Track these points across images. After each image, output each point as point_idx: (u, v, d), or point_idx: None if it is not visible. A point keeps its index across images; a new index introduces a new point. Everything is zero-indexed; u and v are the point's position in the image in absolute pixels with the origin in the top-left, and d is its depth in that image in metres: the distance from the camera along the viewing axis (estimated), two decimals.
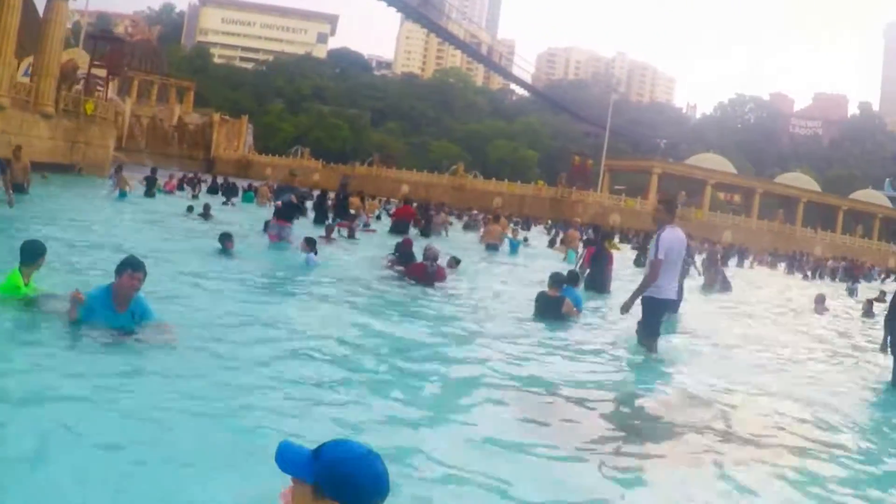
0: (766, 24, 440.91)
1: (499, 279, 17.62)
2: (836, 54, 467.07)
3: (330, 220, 25.08)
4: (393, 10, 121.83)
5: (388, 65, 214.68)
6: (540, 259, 25.28)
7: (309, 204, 26.49)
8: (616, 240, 39.61)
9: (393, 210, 34.79)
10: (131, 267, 7.00)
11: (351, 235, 23.11)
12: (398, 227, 28.32)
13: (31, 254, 7.59)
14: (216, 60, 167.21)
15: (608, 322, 12.65)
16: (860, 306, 22.78)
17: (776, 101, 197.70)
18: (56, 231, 14.22)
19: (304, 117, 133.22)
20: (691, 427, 6.79)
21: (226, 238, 14.70)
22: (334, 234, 21.22)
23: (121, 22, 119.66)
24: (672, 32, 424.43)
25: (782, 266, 48.69)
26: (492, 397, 6.86)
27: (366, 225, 28.02)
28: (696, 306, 16.71)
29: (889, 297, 12.42)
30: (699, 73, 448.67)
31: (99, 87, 46.97)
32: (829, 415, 7.94)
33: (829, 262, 51.75)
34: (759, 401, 8.32)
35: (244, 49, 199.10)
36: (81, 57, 50.13)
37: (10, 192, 17.87)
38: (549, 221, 60.79)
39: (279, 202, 18.25)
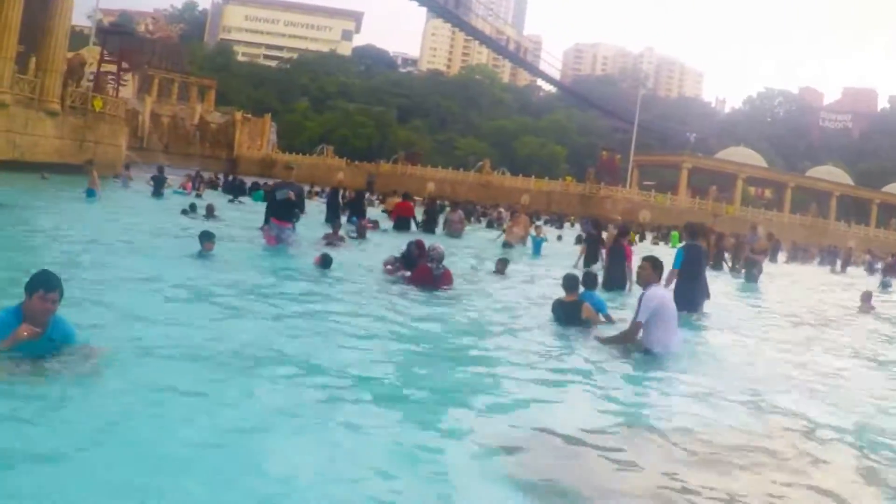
0: (795, 19, 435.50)
1: (515, 282, 15.81)
2: (865, 48, 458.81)
3: (342, 219, 23.80)
4: (418, 6, 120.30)
5: (414, 62, 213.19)
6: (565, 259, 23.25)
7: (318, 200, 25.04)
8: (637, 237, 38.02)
9: (391, 208, 32.82)
10: (43, 287, 5.69)
11: (361, 235, 21.69)
12: (400, 225, 26.94)
13: None
14: (239, 58, 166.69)
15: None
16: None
17: (805, 95, 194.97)
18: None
19: (329, 115, 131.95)
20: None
21: (205, 238, 13.09)
22: (342, 232, 19.81)
23: (142, 20, 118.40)
24: (700, 27, 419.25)
25: (816, 261, 47.27)
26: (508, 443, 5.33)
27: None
28: (738, 305, 15.36)
29: None
30: (727, 68, 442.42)
31: (111, 81, 45.59)
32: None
33: (867, 257, 49.63)
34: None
35: (268, 47, 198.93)
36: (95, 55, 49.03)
37: None
38: (572, 218, 58.96)
39: (291, 195, 16.13)
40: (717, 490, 5.00)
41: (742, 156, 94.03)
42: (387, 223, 28.03)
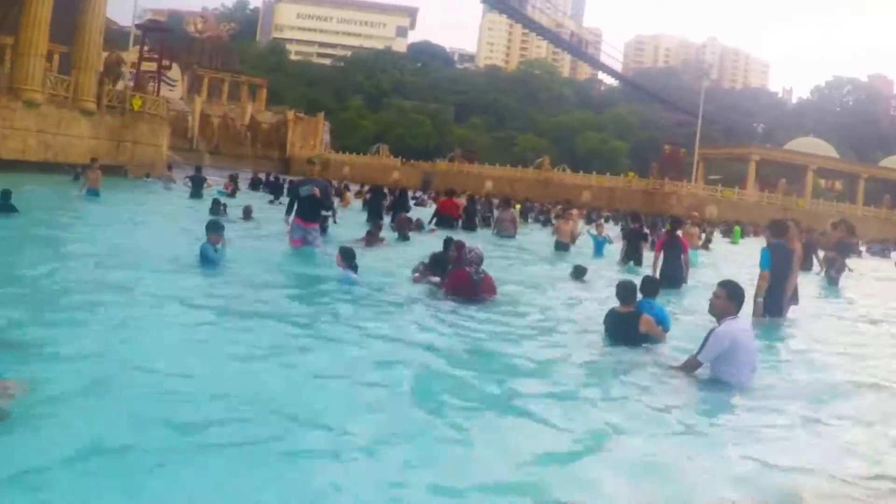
0: (860, 3, 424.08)
1: (566, 290, 13.54)
2: None
3: (382, 219, 22.08)
4: (475, 0, 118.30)
5: (471, 57, 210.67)
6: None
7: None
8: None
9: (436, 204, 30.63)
10: None
11: (404, 237, 19.69)
12: (443, 224, 24.73)
13: None
14: (292, 57, 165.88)
15: (691, 334, 9.02)
16: None
17: (875, 83, 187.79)
18: None
19: (384, 114, 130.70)
20: None
21: (211, 229, 10.98)
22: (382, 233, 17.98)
23: (192, 20, 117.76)
24: (763, 15, 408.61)
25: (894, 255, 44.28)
26: None
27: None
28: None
29: None
30: (793, 56, 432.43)
31: (152, 79, 44.15)
32: None
33: None
34: None
35: (321, 45, 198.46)
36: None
37: None
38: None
39: (316, 192, 14.30)
40: None
41: (812, 146, 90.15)
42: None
